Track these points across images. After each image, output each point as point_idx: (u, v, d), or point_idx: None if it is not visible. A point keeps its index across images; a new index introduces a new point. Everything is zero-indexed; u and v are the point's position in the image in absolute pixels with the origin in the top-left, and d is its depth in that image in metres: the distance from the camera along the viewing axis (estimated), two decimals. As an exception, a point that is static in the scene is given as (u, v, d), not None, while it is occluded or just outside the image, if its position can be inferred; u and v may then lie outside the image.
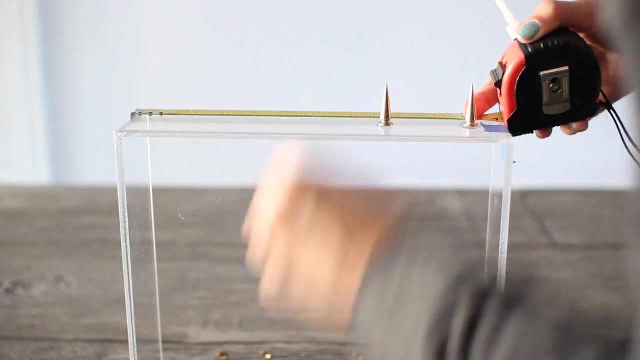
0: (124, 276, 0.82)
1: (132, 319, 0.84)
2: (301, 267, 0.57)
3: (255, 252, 0.61)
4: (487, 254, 0.77)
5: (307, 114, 0.83)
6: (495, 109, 0.76)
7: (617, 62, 0.73)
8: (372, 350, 0.53)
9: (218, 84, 2.28)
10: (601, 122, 0.75)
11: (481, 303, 0.48)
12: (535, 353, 0.45)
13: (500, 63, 0.73)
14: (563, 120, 0.72)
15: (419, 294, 0.51)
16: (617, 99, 0.74)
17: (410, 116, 0.80)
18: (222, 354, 0.99)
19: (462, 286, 0.49)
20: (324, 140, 0.65)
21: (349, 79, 2.18)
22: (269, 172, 0.60)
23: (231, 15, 2.24)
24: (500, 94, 0.73)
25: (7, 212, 1.44)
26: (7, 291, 1.15)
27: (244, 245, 0.65)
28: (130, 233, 0.81)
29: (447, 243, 0.54)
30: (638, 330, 0.40)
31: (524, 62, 0.70)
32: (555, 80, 0.70)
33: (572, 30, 0.72)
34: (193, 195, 1.49)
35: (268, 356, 0.99)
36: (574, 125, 0.74)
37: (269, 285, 0.60)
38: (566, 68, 0.70)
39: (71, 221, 1.39)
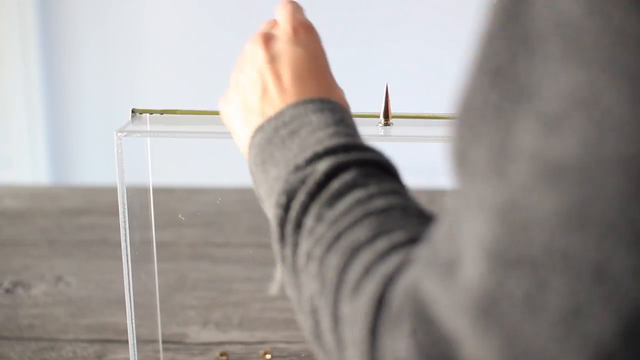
0: (124, 276, 0.82)
1: (132, 319, 0.84)
2: (235, 91, 0.64)
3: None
4: None
5: (307, 114, 0.82)
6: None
7: None
8: (255, 187, 0.60)
9: (218, 84, 2.27)
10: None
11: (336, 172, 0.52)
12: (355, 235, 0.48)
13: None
14: None
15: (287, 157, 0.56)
16: None
17: (410, 116, 0.80)
18: (222, 354, 0.99)
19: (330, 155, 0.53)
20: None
21: (348, 79, 2.18)
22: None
23: (231, 14, 2.24)
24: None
25: (7, 212, 1.44)
26: (7, 291, 1.15)
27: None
28: (130, 233, 0.81)
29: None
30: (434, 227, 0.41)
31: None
32: None
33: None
34: (193, 195, 1.49)
35: (268, 356, 0.99)
36: None
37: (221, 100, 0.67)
38: None
39: (71, 221, 1.39)
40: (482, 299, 0.35)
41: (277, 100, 0.60)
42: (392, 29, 2.24)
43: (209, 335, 1.04)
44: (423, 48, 2.24)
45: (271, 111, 0.60)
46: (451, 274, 0.37)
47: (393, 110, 0.79)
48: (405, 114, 0.80)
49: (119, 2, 2.28)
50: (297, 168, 0.54)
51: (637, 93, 0.32)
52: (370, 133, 0.78)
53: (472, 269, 0.36)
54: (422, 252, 0.41)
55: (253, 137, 0.60)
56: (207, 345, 1.01)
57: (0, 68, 2.29)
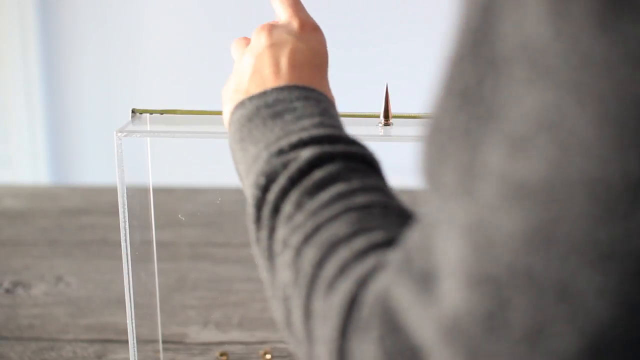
0: (124, 276, 0.82)
1: (132, 319, 0.84)
2: (233, 76, 0.65)
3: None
4: None
5: (307, 114, 0.82)
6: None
7: None
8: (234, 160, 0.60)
9: (218, 84, 2.27)
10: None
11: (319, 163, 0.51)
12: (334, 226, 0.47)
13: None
14: None
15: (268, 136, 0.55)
16: None
17: (410, 116, 0.80)
18: (222, 354, 0.99)
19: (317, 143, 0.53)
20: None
21: (348, 79, 2.18)
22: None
23: (231, 14, 2.24)
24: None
25: (7, 212, 1.44)
26: (7, 291, 1.15)
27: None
28: (130, 233, 0.81)
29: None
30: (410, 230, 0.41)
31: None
32: None
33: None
34: (193, 195, 1.49)
35: (268, 356, 0.99)
36: None
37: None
38: None
39: (71, 221, 1.39)
40: (448, 317, 0.36)
41: (269, 82, 0.60)
42: (392, 30, 2.24)
43: (209, 335, 1.04)
44: (423, 48, 2.24)
45: (256, 90, 0.60)
46: (424, 287, 0.38)
47: (393, 110, 0.79)
48: (405, 114, 0.80)
49: (119, 2, 2.28)
50: (280, 151, 0.53)
51: (602, 115, 0.32)
52: (370, 133, 0.78)
53: (443, 285, 0.36)
54: (396, 257, 0.41)
55: (233, 113, 0.60)
56: (207, 345, 1.01)
57: (0, 68, 2.29)
